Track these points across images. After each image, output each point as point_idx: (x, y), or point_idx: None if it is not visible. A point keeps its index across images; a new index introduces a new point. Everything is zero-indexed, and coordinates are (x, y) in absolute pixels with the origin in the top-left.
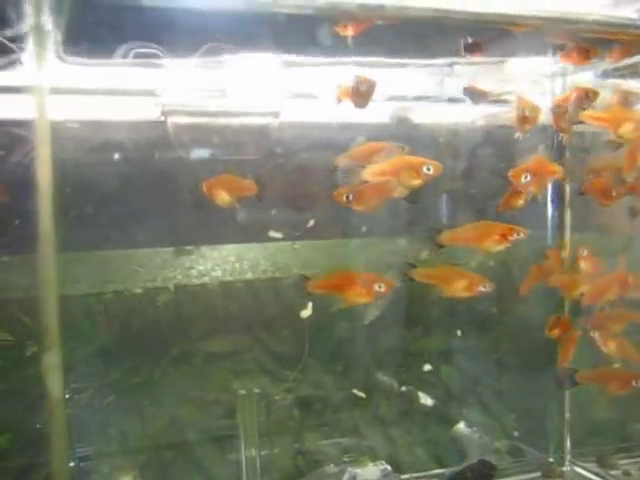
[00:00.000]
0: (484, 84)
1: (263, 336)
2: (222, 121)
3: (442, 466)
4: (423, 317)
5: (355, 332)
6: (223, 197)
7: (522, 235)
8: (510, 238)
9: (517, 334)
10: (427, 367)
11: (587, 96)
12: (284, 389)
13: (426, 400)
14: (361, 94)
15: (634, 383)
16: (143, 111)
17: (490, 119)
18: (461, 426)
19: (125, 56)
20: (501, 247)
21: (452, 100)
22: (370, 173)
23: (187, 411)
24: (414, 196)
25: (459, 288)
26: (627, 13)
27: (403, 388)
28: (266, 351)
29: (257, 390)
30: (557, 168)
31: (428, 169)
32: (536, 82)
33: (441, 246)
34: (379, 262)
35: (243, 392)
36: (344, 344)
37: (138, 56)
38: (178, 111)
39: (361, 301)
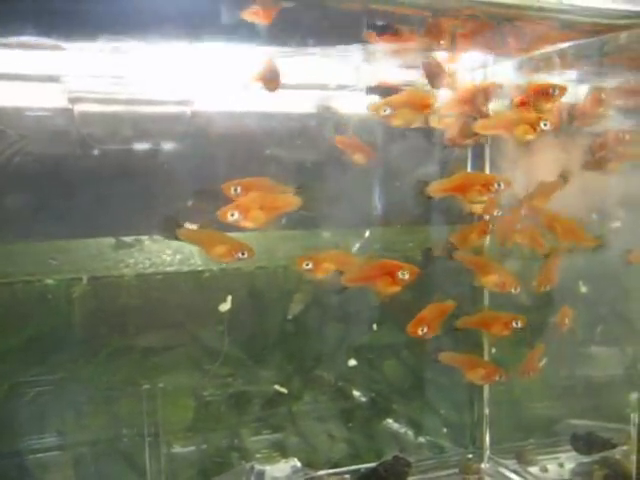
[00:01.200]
0: (399, 72)
1: (194, 330)
2: (133, 109)
3: (365, 461)
4: (367, 312)
5: (297, 327)
6: None
7: (503, 186)
8: (491, 188)
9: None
10: (352, 362)
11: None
12: (212, 385)
13: (360, 396)
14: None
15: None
16: (49, 98)
17: None
18: (389, 421)
19: None
20: (483, 198)
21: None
22: None
23: (115, 406)
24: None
25: None
26: None
27: (339, 383)
28: (197, 346)
29: (161, 385)
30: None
31: None
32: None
33: (429, 197)
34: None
35: (147, 386)
36: (284, 339)
37: None
38: (86, 98)
39: (391, 291)
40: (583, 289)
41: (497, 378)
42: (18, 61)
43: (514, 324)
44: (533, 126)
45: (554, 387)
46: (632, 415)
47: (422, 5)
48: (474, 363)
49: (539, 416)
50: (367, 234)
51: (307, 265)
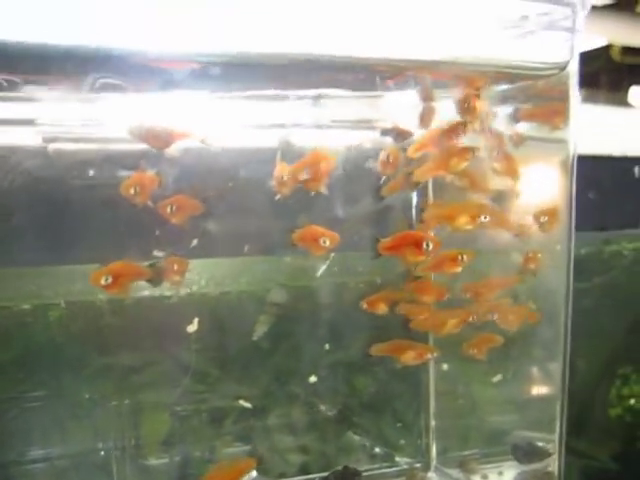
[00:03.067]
0: (357, 112)
1: (173, 350)
2: (103, 147)
3: (320, 471)
4: (340, 330)
5: (271, 345)
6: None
7: (431, 246)
8: (422, 249)
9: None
10: (313, 379)
11: None
12: (186, 401)
13: (327, 410)
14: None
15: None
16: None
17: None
18: (349, 434)
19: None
20: (420, 258)
21: (319, 127)
22: None
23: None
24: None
25: None
26: None
27: (308, 398)
28: (166, 365)
29: (127, 401)
30: None
31: None
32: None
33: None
34: (269, 280)
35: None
36: (260, 356)
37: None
38: (60, 138)
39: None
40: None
41: (429, 356)
42: None
43: (460, 258)
44: (474, 218)
45: (500, 400)
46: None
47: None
48: (404, 347)
49: (485, 428)
50: (330, 258)
51: (106, 280)
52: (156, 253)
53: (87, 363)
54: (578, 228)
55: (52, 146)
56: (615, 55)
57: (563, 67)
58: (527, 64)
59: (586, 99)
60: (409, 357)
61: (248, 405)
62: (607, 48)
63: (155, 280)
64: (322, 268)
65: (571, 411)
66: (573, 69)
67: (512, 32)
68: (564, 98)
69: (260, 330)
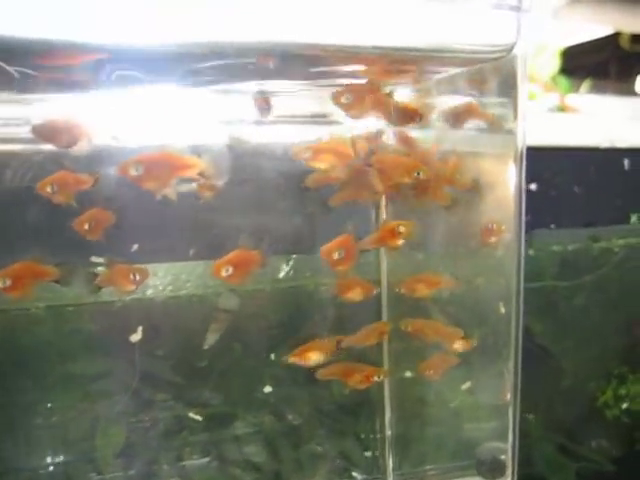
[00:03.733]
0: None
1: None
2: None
3: None
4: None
5: (240, 351)
6: None
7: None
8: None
9: None
10: (267, 389)
11: None
12: (144, 411)
13: (293, 419)
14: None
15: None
16: None
17: None
18: (311, 445)
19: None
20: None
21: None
22: None
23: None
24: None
25: None
26: None
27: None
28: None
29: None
30: None
31: None
32: None
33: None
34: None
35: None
36: (226, 364)
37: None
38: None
39: None
40: (502, 310)
41: (376, 378)
42: None
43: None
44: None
45: (463, 410)
46: None
47: None
48: (351, 370)
49: (448, 440)
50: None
51: (4, 282)
52: (94, 259)
53: (33, 373)
54: (565, 225)
55: None
56: (624, 43)
57: (508, 50)
58: (461, 47)
59: (594, 89)
60: (356, 380)
61: (198, 418)
62: (616, 36)
63: (64, 281)
64: (283, 271)
65: (566, 413)
66: (521, 52)
67: (443, 9)
68: (511, 85)
69: (212, 338)
